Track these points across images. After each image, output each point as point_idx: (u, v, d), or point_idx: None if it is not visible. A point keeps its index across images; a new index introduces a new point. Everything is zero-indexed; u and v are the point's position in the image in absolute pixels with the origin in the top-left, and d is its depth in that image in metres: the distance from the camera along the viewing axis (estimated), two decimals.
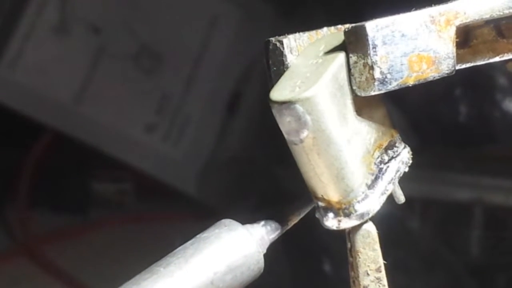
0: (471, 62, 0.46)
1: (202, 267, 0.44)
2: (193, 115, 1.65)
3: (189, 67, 1.65)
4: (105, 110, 1.60)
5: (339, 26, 0.47)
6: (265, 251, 0.46)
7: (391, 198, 0.49)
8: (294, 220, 0.48)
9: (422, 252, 1.41)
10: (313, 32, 0.48)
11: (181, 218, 1.62)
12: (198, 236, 0.46)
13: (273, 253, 0.48)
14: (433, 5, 0.44)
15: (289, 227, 0.48)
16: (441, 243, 1.43)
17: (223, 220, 0.47)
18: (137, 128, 1.62)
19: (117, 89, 1.62)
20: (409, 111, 1.43)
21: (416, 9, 0.44)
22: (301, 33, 0.47)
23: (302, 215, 0.48)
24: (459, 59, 0.46)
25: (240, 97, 1.66)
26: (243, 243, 0.46)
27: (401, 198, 0.50)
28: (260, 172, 1.57)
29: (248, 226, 0.46)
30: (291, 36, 0.47)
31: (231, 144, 1.65)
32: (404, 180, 0.49)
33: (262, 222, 0.47)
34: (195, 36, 1.65)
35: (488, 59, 0.46)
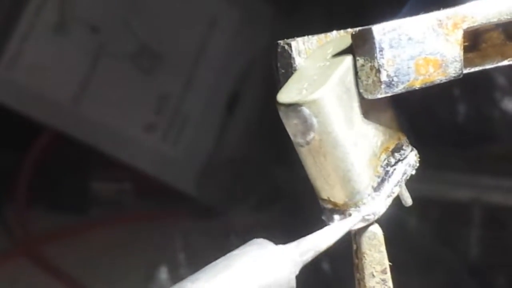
0: (479, 66, 0.47)
1: (232, 284, 0.43)
2: (192, 114, 1.65)
3: (188, 67, 1.65)
4: (104, 110, 1.60)
5: (349, 29, 0.48)
6: (297, 272, 0.45)
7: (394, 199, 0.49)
8: (329, 242, 0.46)
9: (420, 251, 1.42)
10: (322, 35, 0.48)
11: (180, 217, 1.62)
12: (229, 254, 0.45)
13: None
14: (441, 8, 0.44)
15: (323, 249, 0.46)
16: (439, 242, 1.43)
17: (255, 239, 0.45)
18: (136, 127, 1.62)
19: (116, 88, 1.62)
20: (408, 111, 1.43)
21: (423, 13, 0.45)
22: (310, 36, 0.48)
23: (338, 238, 0.46)
24: (468, 62, 0.46)
25: (239, 97, 1.66)
26: (275, 262, 0.44)
27: (408, 200, 0.50)
28: (259, 172, 1.58)
29: (281, 246, 0.45)
30: (299, 39, 0.47)
31: (230, 144, 1.65)
32: None
33: (295, 243, 0.46)
34: (194, 36, 1.65)
35: (497, 63, 0.46)
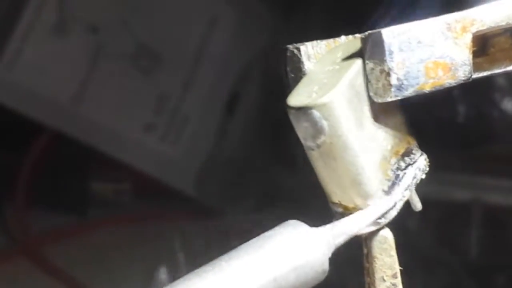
0: (488, 71, 0.47)
1: (265, 263, 0.43)
2: (192, 115, 1.65)
3: (187, 67, 1.65)
4: (103, 110, 1.60)
5: (357, 34, 0.48)
6: (330, 254, 0.45)
7: None
8: (361, 227, 0.47)
9: (420, 252, 1.42)
10: (330, 40, 0.48)
11: (179, 217, 1.62)
12: (262, 234, 0.45)
13: None
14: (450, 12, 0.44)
15: (356, 233, 0.47)
16: (439, 243, 1.43)
17: (288, 220, 0.46)
18: (136, 127, 1.62)
19: (116, 89, 1.62)
20: (408, 111, 1.43)
21: (432, 16, 0.45)
22: (318, 41, 0.48)
23: (370, 223, 0.47)
24: (477, 67, 0.46)
25: (239, 97, 1.66)
26: (308, 242, 0.44)
27: (418, 205, 0.50)
28: (259, 172, 1.58)
29: (314, 228, 0.45)
30: (308, 44, 0.47)
31: (230, 144, 1.65)
32: None
33: (330, 225, 0.46)
34: (194, 36, 1.65)
35: (505, 67, 0.47)
